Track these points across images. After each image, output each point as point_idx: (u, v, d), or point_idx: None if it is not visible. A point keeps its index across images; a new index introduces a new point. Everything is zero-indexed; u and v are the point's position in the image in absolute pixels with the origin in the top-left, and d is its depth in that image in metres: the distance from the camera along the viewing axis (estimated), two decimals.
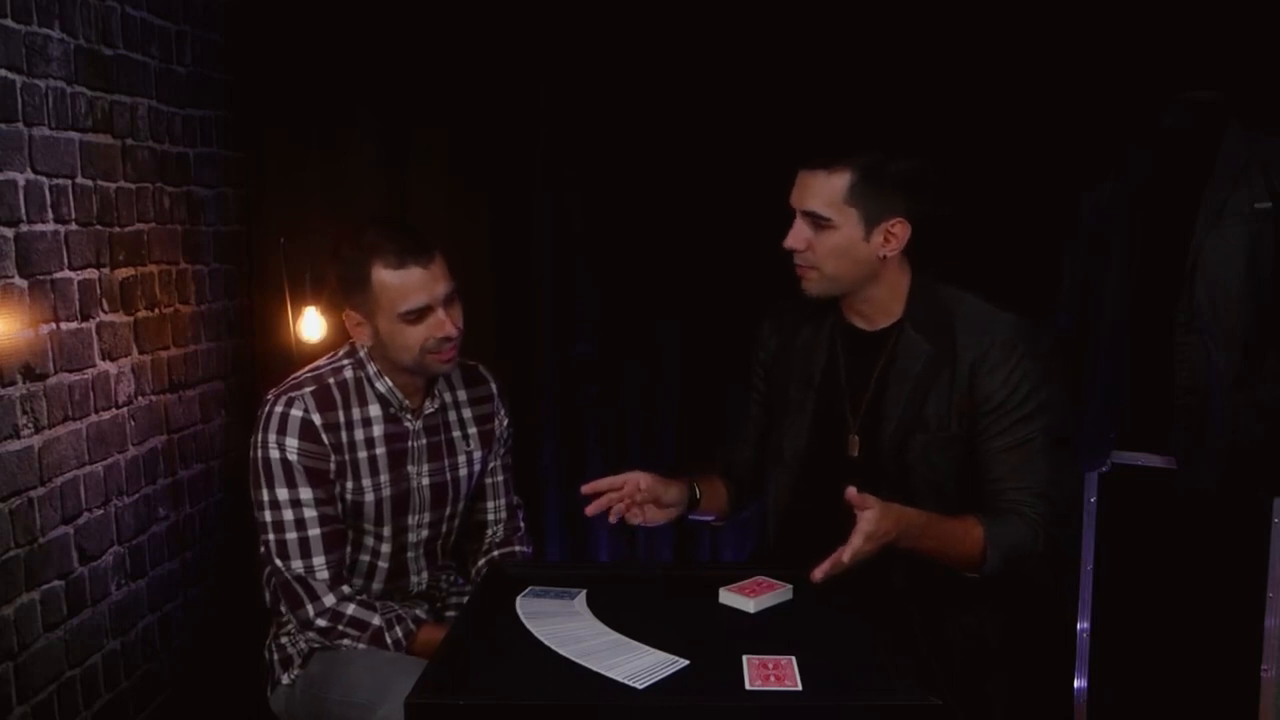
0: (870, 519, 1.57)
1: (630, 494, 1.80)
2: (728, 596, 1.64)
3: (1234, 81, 2.28)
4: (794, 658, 1.40)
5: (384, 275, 1.84)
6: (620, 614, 1.57)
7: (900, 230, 1.80)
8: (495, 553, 2.14)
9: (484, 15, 2.79)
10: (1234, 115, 2.27)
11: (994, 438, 1.78)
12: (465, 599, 2.09)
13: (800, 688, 1.34)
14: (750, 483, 2.09)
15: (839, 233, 1.79)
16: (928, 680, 1.31)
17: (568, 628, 1.54)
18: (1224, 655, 2.46)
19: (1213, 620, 2.51)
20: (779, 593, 1.64)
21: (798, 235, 1.82)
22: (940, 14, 2.60)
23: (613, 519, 1.80)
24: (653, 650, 1.45)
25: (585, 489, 1.80)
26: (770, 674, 1.37)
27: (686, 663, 1.41)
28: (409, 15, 2.79)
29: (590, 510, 1.79)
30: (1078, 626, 2.60)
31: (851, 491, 1.58)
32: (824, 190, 1.78)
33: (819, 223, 1.79)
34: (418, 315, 1.85)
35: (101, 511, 2.27)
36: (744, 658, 1.41)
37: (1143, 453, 2.43)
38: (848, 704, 1.33)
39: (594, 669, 1.40)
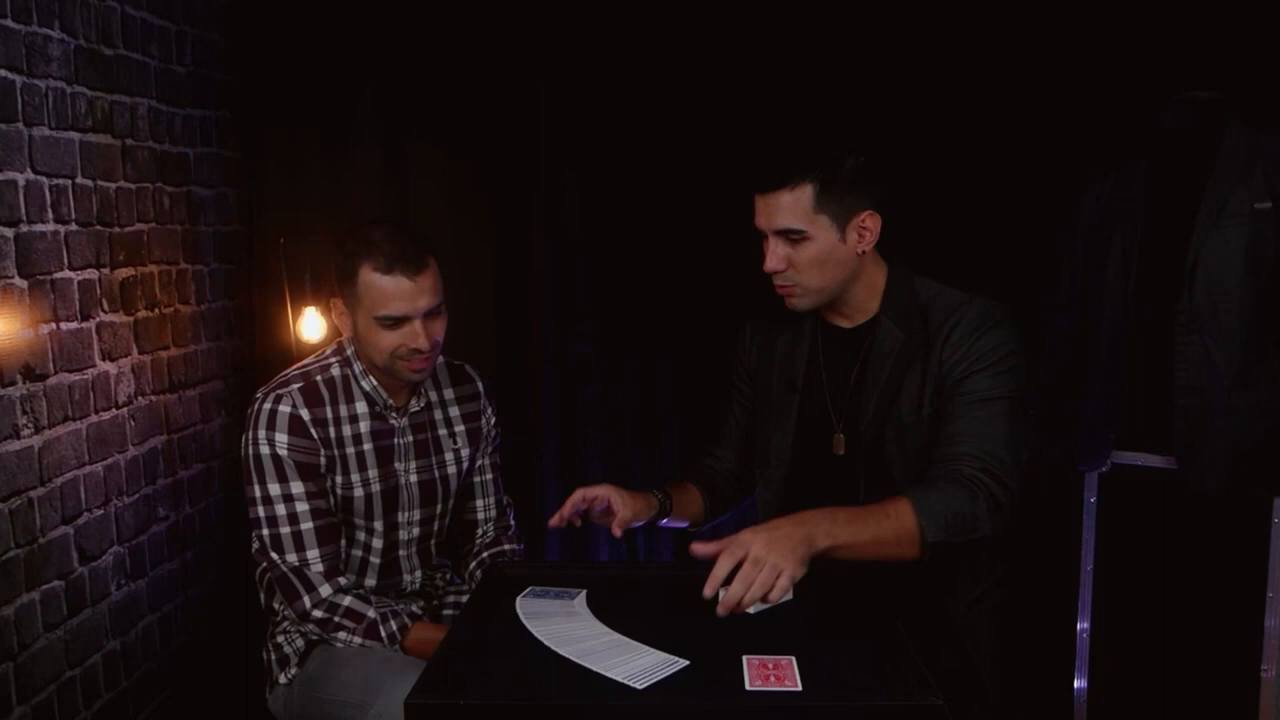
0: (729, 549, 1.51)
1: (592, 500, 1.83)
2: None
3: (1234, 81, 2.28)
4: (794, 658, 1.40)
5: (370, 277, 1.85)
6: (620, 614, 1.57)
7: (872, 222, 1.80)
8: (485, 553, 2.14)
9: (484, 15, 2.79)
10: (1234, 115, 2.27)
11: (946, 401, 1.76)
12: (461, 598, 2.10)
13: (800, 688, 1.34)
14: (733, 488, 2.09)
15: (815, 242, 1.78)
16: (928, 680, 1.31)
17: (567, 628, 1.54)
18: (1224, 655, 2.46)
19: (1213, 620, 2.51)
20: None
21: (776, 256, 1.80)
22: (943, 14, 2.60)
23: (576, 523, 1.84)
24: (653, 650, 1.45)
25: (552, 523, 1.83)
26: (770, 674, 1.37)
27: (686, 663, 1.41)
28: (409, 16, 2.79)
29: (553, 522, 1.83)
30: (1078, 626, 2.60)
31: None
32: (791, 206, 1.76)
33: (793, 238, 1.78)
34: (394, 323, 1.86)
35: (101, 511, 2.27)
36: (744, 658, 1.40)
37: (1143, 453, 2.44)
38: (848, 704, 1.33)
39: (594, 669, 1.40)
